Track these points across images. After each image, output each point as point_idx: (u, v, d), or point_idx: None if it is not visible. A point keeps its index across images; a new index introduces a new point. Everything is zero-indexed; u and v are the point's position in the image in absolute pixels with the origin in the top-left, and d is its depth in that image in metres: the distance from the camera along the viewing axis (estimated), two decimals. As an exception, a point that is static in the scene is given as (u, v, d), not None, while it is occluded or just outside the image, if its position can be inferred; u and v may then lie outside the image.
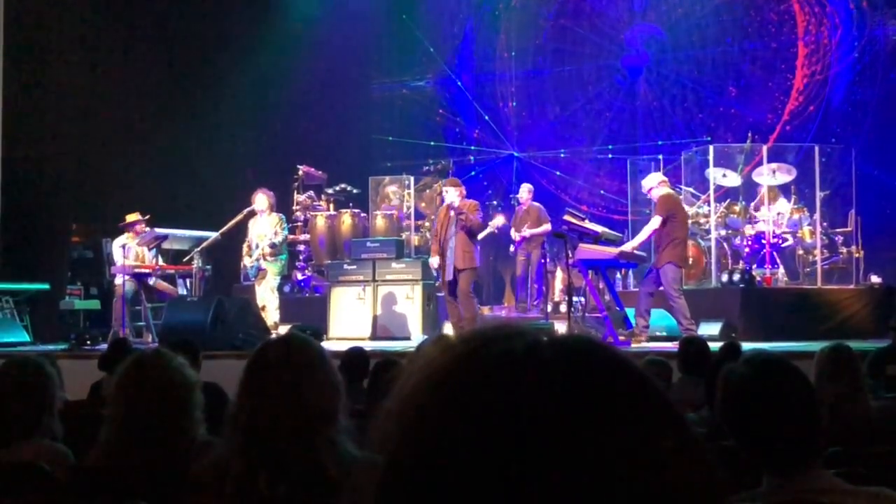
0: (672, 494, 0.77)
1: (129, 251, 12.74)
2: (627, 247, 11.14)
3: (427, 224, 14.30)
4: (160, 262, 13.14)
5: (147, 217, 13.05)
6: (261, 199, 12.37)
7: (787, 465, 2.43)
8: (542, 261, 13.72)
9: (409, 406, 0.81)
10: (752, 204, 13.36)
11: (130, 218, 12.92)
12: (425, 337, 11.29)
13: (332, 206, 14.92)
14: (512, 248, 14.59)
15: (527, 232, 14.11)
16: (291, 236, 13.78)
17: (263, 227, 12.36)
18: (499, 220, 14.31)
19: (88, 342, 11.74)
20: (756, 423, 2.45)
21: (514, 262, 15.43)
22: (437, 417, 0.79)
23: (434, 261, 11.58)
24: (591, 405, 0.78)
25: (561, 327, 10.61)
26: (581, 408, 0.78)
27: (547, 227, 13.79)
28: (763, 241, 12.94)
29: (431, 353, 0.84)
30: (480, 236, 13.11)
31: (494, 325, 0.85)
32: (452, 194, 11.42)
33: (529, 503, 0.75)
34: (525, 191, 14.57)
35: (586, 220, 11.79)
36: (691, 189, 13.93)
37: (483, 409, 0.78)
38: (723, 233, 13.16)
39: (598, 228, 11.52)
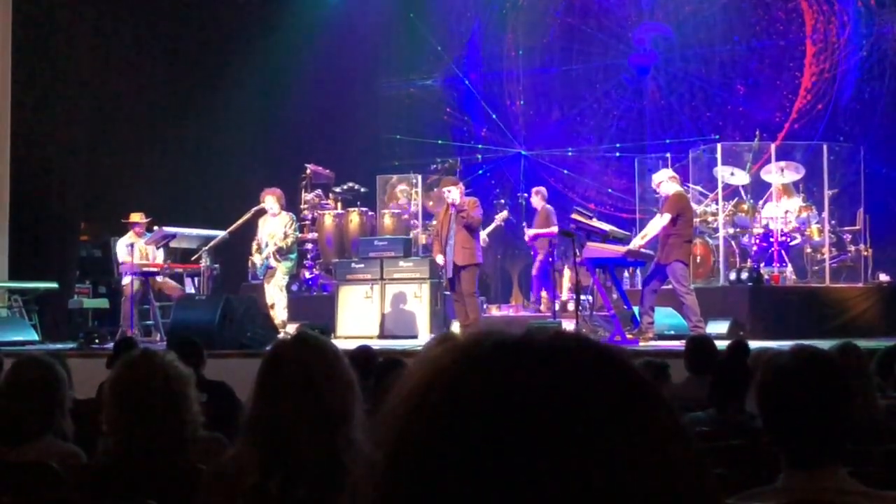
0: (662, 485, 0.78)
1: (134, 250, 12.74)
2: (635, 244, 11.12)
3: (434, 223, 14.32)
4: (160, 260, 13.15)
5: (149, 220, 13.06)
6: (270, 201, 12.36)
7: (811, 461, 2.43)
8: (550, 259, 13.73)
9: (406, 403, 0.82)
10: (761, 202, 13.33)
11: (134, 217, 12.95)
12: (432, 336, 11.29)
13: (339, 204, 14.93)
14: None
15: (531, 232, 14.23)
16: (300, 235, 13.79)
17: (274, 226, 12.36)
18: (504, 214, 14.32)
19: (97, 341, 11.75)
20: (791, 414, 2.46)
21: (521, 260, 15.46)
22: (434, 410, 0.80)
23: (440, 258, 11.64)
24: (583, 387, 0.79)
25: (569, 326, 10.61)
26: (574, 390, 0.79)
27: (553, 229, 13.89)
28: (771, 240, 12.92)
29: (433, 352, 0.85)
30: (487, 230, 13.10)
31: (501, 324, 0.87)
32: (455, 193, 11.45)
33: (524, 487, 0.75)
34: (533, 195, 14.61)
35: (594, 219, 11.78)
36: (699, 187, 13.91)
37: (478, 396, 0.78)
38: (731, 231, 13.14)
39: (606, 227, 11.51)
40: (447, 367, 0.82)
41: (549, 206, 14.39)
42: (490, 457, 0.76)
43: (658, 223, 10.86)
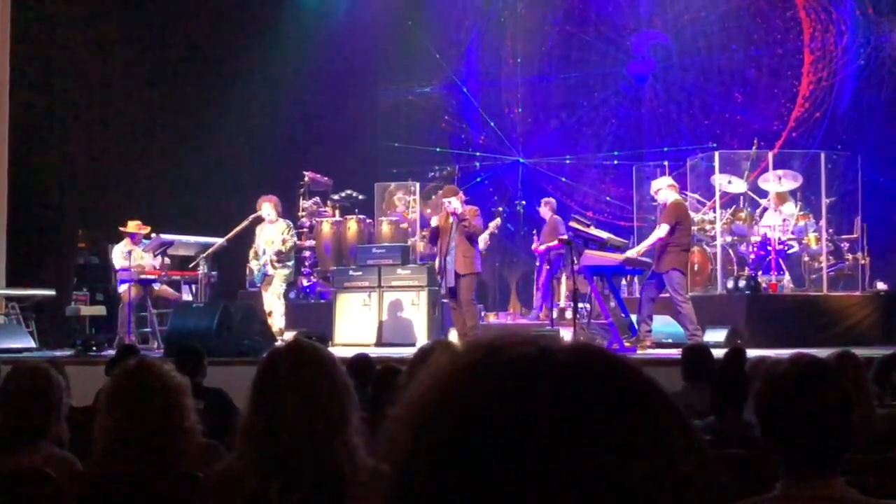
0: (681, 496, 0.78)
1: (131, 257, 12.73)
2: (632, 253, 11.13)
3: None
4: (165, 267, 13.15)
5: (148, 230, 13.05)
6: (266, 208, 12.36)
7: (809, 470, 2.43)
8: (548, 267, 13.72)
9: (420, 413, 0.81)
10: (758, 210, 13.33)
11: (131, 226, 12.94)
12: (426, 342, 11.28)
13: (337, 212, 14.92)
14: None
15: (542, 247, 14.22)
16: (297, 242, 13.78)
17: (271, 233, 12.35)
18: (497, 221, 14.32)
19: (94, 348, 11.74)
20: (789, 423, 2.46)
21: (519, 268, 15.45)
22: (451, 422, 0.78)
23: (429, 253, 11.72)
24: (605, 408, 0.78)
25: (566, 334, 10.60)
26: (596, 411, 0.78)
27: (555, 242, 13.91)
28: (769, 248, 12.92)
29: (441, 361, 0.84)
30: (482, 238, 13.11)
31: (505, 333, 0.85)
32: (456, 203, 11.47)
33: (541, 501, 0.75)
34: (542, 205, 14.55)
35: (592, 227, 11.77)
36: (697, 195, 13.91)
37: (498, 412, 0.77)
38: (728, 239, 13.14)
39: (604, 235, 11.50)
40: (463, 378, 0.81)
41: (557, 216, 14.33)
42: (506, 470, 0.75)
43: (657, 234, 10.92)
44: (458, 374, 0.81)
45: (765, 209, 13.29)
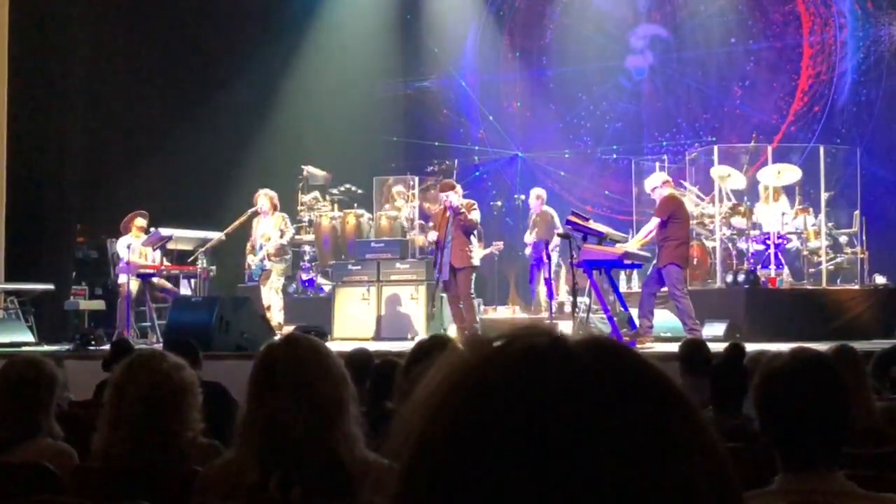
0: (693, 491, 0.77)
1: (133, 251, 12.73)
2: (626, 247, 11.14)
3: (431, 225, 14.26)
4: (164, 262, 13.14)
5: (142, 212, 13.03)
6: (263, 201, 12.37)
7: (808, 464, 2.43)
8: (547, 260, 13.69)
9: (430, 405, 0.80)
10: (758, 204, 13.34)
11: (138, 222, 12.94)
12: (424, 336, 11.28)
13: (336, 206, 14.91)
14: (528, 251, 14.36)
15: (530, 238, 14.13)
16: (297, 237, 13.80)
17: (267, 227, 12.36)
18: (500, 244, 14.29)
19: (93, 342, 11.73)
20: (788, 417, 2.46)
21: (518, 264, 15.43)
22: (460, 413, 0.78)
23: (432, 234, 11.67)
24: (617, 400, 0.78)
25: (565, 328, 10.58)
26: (608, 402, 0.77)
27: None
28: (768, 242, 12.92)
29: (453, 352, 0.84)
30: (481, 255, 13.08)
31: (515, 324, 0.85)
32: (454, 197, 11.48)
33: (554, 495, 0.74)
34: (533, 197, 14.46)
35: (591, 221, 11.76)
36: (696, 189, 13.91)
37: (508, 403, 0.77)
38: (727, 233, 13.14)
39: (603, 229, 11.48)
40: (474, 368, 0.80)
41: (550, 208, 14.24)
42: (514, 462, 0.75)
43: (647, 227, 10.98)
44: (469, 365, 0.81)
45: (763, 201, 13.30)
